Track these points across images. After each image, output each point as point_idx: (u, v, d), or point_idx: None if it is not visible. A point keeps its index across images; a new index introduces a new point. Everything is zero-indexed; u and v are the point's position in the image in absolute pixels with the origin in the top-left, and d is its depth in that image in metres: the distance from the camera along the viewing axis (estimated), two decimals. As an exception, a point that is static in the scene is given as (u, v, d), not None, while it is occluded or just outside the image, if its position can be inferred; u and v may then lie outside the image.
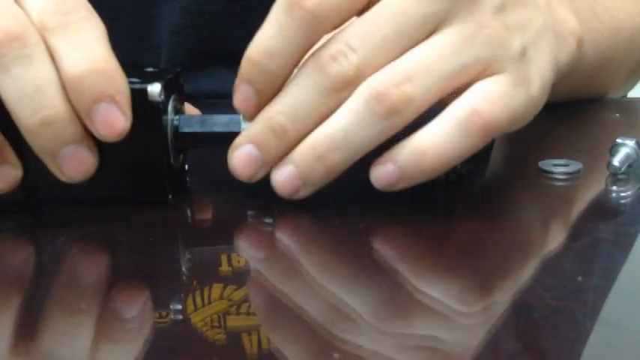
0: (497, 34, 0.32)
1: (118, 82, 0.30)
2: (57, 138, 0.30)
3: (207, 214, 0.35)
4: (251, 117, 0.32)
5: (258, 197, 0.34)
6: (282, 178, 0.31)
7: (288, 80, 0.32)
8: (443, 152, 0.31)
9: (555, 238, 0.32)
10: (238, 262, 0.28)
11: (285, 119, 0.31)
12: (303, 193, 0.32)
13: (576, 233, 0.32)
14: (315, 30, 0.31)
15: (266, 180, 0.32)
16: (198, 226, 0.34)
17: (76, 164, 0.31)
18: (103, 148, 0.31)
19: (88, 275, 0.29)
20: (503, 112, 0.31)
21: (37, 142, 0.30)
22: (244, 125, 0.32)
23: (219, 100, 0.49)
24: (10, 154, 0.31)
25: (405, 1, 0.31)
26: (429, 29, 0.31)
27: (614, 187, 0.36)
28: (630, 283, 0.28)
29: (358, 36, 0.31)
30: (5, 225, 0.33)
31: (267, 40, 0.31)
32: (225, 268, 0.28)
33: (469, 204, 0.35)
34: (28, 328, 0.24)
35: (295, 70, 0.32)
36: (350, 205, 0.35)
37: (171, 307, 0.26)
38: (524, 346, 0.23)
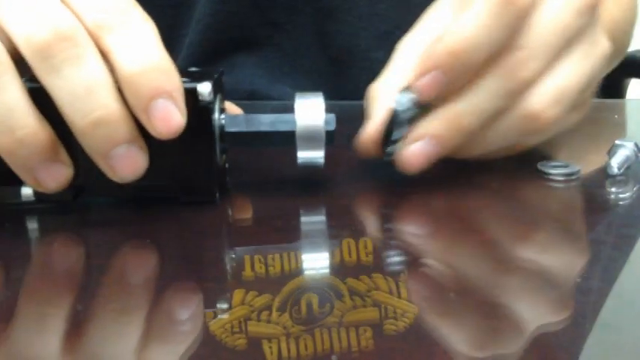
0: (606, 52, 0.37)
1: (174, 79, 0.30)
2: (109, 138, 0.30)
3: (247, 214, 0.35)
4: (428, 100, 0.33)
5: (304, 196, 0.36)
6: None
7: (474, 82, 0.33)
8: None
9: (553, 240, 0.32)
10: (260, 267, 0.28)
11: (473, 119, 0.34)
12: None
13: (575, 235, 0.33)
14: (520, 26, 0.33)
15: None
16: (238, 227, 0.34)
17: (127, 164, 0.30)
18: (151, 147, 0.31)
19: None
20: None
21: (89, 142, 0.30)
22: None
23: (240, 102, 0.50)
24: (62, 153, 0.31)
25: (565, 13, 0.34)
26: (571, 42, 0.35)
27: (613, 189, 0.37)
28: (629, 285, 0.28)
29: (537, 43, 0.33)
30: (53, 225, 0.33)
31: (476, 34, 0.32)
32: (248, 273, 0.28)
33: (468, 205, 0.35)
34: (76, 327, 0.24)
35: None
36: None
37: (191, 312, 0.26)
38: (523, 348, 0.23)
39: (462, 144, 0.34)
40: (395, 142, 0.34)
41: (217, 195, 0.34)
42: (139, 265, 0.30)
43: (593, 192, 0.37)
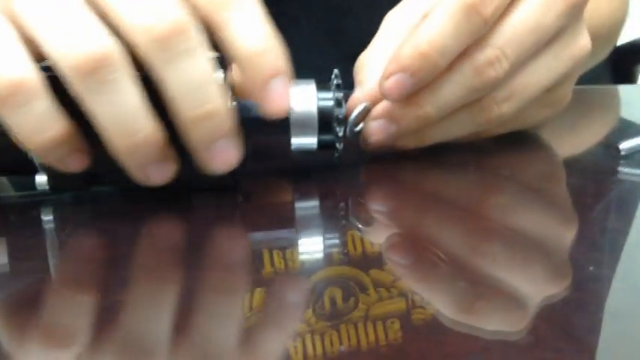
0: (585, 52, 0.37)
1: (285, 59, 0.31)
2: (215, 131, 0.30)
3: (265, 203, 0.35)
4: (396, 100, 0.35)
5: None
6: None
7: (443, 72, 0.35)
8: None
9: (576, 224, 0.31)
10: (280, 262, 0.27)
11: (433, 110, 0.35)
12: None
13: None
14: (483, 33, 0.34)
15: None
16: (254, 218, 0.33)
17: (225, 157, 0.31)
18: (168, 133, 0.31)
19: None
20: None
21: (195, 134, 0.30)
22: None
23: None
24: (171, 149, 0.31)
25: (544, 15, 0.35)
26: (550, 41, 0.36)
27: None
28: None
29: (509, 44, 0.34)
30: (70, 218, 0.33)
31: (443, 37, 0.33)
32: (267, 269, 0.27)
33: (479, 192, 0.35)
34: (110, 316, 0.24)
35: None
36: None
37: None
38: (535, 338, 0.22)
39: (420, 130, 0.36)
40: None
41: (235, 181, 0.33)
42: (150, 257, 0.30)
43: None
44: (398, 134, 0.36)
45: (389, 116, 0.36)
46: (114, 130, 0.29)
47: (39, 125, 0.29)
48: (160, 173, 0.31)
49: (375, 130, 0.36)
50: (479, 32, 0.34)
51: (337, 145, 0.35)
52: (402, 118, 0.35)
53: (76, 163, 0.31)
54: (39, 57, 0.30)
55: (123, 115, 0.29)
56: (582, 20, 0.37)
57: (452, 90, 0.35)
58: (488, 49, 0.34)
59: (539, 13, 0.34)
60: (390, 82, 0.34)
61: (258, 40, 0.30)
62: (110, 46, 0.29)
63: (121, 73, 0.29)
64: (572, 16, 0.36)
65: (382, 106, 0.36)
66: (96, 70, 0.29)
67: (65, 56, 0.29)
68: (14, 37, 0.30)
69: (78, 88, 0.29)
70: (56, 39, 0.29)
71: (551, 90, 0.38)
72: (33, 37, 0.30)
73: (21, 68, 0.29)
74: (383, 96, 0.35)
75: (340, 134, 0.34)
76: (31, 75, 0.29)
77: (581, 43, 0.37)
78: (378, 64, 0.37)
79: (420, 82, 0.34)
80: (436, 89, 0.35)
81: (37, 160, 0.33)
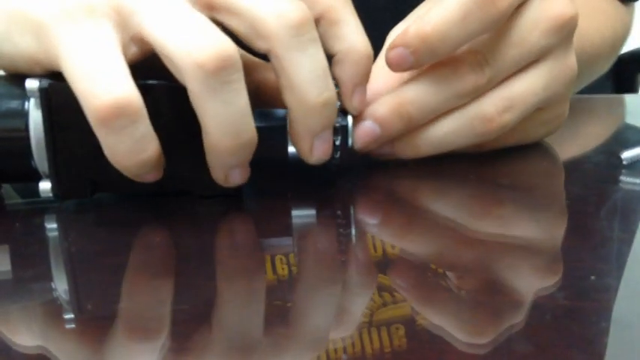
0: (573, 73, 0.38)
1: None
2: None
3: (265, 210, 0.35)
4: (401, 70, 0.35)
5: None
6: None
7: (424, 73, 0.35)
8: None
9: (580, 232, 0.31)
10: (283, 269, 0.27)
11: (414, 110, 0.35)
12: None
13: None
14: (494, 28, 0.34)
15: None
16: (256, 224, 0.34)
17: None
18: (176, 142, 0.31)
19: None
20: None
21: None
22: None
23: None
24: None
25: (529, 31, 0.35)
26: (537, 58, 0.36)
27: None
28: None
29: (491, 52, 0.35)
30: (74, 225, 0.33)
31: (447, 24, 0.33)
32: (270, 276, 0.27)
33: (479, 200, 0.35)
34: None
35: None
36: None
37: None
38: (535, 347, 0.22)
39: (411, 136, 0.36)
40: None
41: (238, 190, 0.33)
42: (148, 264, 0.29)
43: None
44: (385, 138, 0.36)
45: (372, 117, 0.35)
46: (223, 130, 0.30)
47: (136, 147, 0.29)
48: (240, 176, 0.32)
49: (362, 133, 0.36)
50: (491, 23, 0.34)
51: (334, 154, 0.35)
52: (385, 117, 0.35)
53: (151, 177, 0.31)
54: (141, 56, 0.31)
55: (234, 117, 0.30)
56: (572, 42, 0.38)
57: (431, 90, 0.35)
58: (468, 54, 0.35)
59: (524, 29, 0.35)
60: (393, 53, 0.34)
61: (367, 41, 0.33)
62: (233, 48, 0.29)
63: (239, 75, 0.29)
64: (561, 37, 0.36)
65: (369, 109, 0.36)
66: (220, 69, 0.29)
67: (190, 54, 0.29)
68: (119, 53, 0.30)
69: (197, 86, 0.29)
70: (180, 37, 0.29)
71: (547, 108, 0.38)
72: (148, 37, 0.30)
73: (126, 88, 0.29)
74: (387, 63, 0.35)
75: (337, 142, 0.34)
76: (135, 96, 0.29)
77: (568, 63, 0.38)
78: (380, 80, 0.37)
79: (421, 61, 0.34)
80: (418, 88, 0.35)
81: (40, 168, 0.33)
